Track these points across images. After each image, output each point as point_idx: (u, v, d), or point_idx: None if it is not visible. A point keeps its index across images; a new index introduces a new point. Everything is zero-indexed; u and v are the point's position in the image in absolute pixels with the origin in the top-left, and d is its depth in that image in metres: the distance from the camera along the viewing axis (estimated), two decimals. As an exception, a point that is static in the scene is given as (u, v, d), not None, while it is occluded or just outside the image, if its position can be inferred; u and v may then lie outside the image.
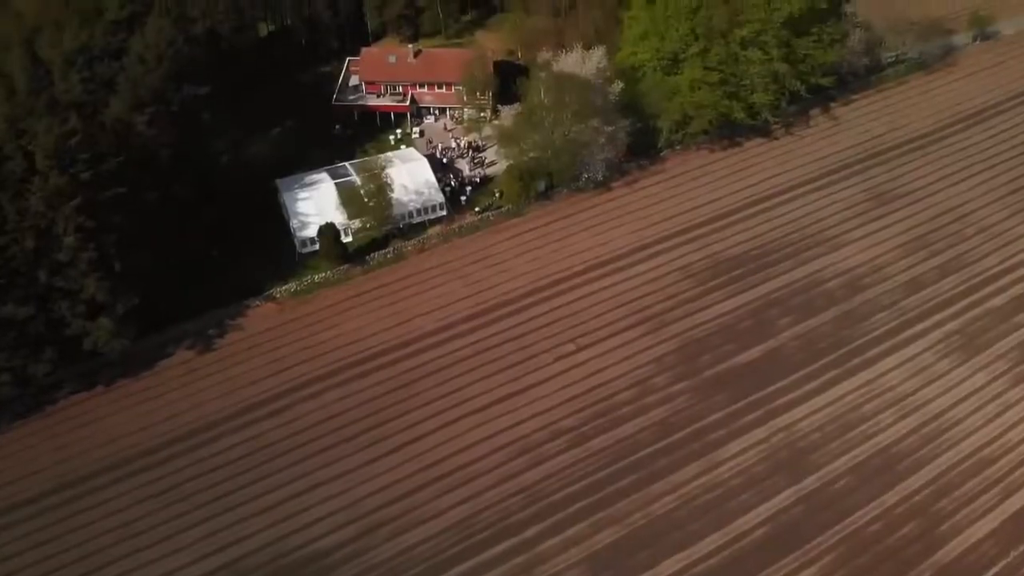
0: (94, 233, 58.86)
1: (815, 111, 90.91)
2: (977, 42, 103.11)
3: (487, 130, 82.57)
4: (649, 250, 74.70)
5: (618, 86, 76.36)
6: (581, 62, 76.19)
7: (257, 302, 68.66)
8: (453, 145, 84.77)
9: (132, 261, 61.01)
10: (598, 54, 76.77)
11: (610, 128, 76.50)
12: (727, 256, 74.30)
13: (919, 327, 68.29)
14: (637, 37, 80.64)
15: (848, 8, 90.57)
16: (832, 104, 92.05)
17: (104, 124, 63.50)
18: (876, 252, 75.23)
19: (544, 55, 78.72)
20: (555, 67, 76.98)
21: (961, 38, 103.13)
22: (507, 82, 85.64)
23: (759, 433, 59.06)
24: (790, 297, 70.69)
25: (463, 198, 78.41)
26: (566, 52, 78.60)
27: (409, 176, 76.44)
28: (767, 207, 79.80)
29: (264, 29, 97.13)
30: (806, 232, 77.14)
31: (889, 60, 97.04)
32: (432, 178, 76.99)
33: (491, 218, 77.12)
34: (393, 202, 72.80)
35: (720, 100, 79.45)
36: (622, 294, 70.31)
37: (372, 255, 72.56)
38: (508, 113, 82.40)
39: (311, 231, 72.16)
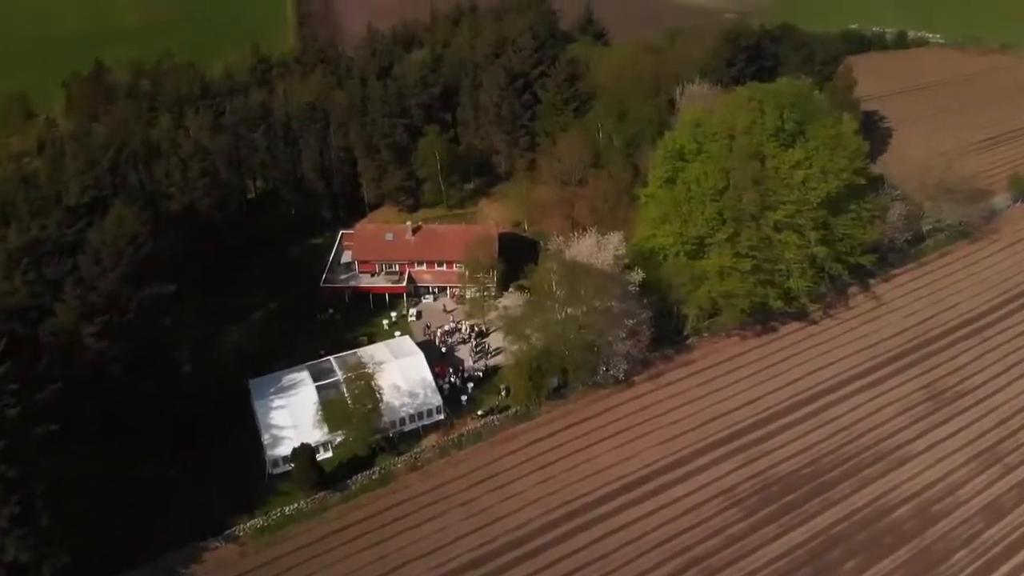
0: (17, 483, 48.10)
1: (854, 289, 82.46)
2: (1019, 204, 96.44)
3: (493, 315, 73.46)
4: (685, 467, 63.69)
5: (638, 275, 67.83)
6: (596, 248, 68.02)
7: (216, 543, 56.90)
8: (452, 327, 75.61)
9: (65, 510, 49.95)
10: (615, 240, 68.72)
11: (631, 321, 67.43)
12: (776, 475, 63.23)
13: (1005, 568, 56.67)
14: (656, 219, 72.92)
15: (884, 178, 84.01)
16: (872, 281, 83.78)
17: (44, 339, 54.11)
18: (944, 468, 64.35)
19: (556, 240, 70.64)
20: (567, 252, 68.81)
21: (1001, 200, 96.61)
22: (512, 256, 77.77)
23: None
24: (854, 532, 59.09)
25: (464, 397, 68.26)
26: (579, 236, 70.67)
27: (402, 374, 66.58)
28: (814, 409, 69.51)
29: (252, 189, 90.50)
30: (862, 442, 66.46)
31: (929, 228, 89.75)
32: (429, 376, 67.11)
33: (496, 423, 66.62)
34: (383, 408, 62.65)
35: (753, 288, 70.88)
36: (656, 529, 58.68)
37: (354, 477, 61.49)
38: (515, 298, 73.36)
39: (284, 448, 61.46)
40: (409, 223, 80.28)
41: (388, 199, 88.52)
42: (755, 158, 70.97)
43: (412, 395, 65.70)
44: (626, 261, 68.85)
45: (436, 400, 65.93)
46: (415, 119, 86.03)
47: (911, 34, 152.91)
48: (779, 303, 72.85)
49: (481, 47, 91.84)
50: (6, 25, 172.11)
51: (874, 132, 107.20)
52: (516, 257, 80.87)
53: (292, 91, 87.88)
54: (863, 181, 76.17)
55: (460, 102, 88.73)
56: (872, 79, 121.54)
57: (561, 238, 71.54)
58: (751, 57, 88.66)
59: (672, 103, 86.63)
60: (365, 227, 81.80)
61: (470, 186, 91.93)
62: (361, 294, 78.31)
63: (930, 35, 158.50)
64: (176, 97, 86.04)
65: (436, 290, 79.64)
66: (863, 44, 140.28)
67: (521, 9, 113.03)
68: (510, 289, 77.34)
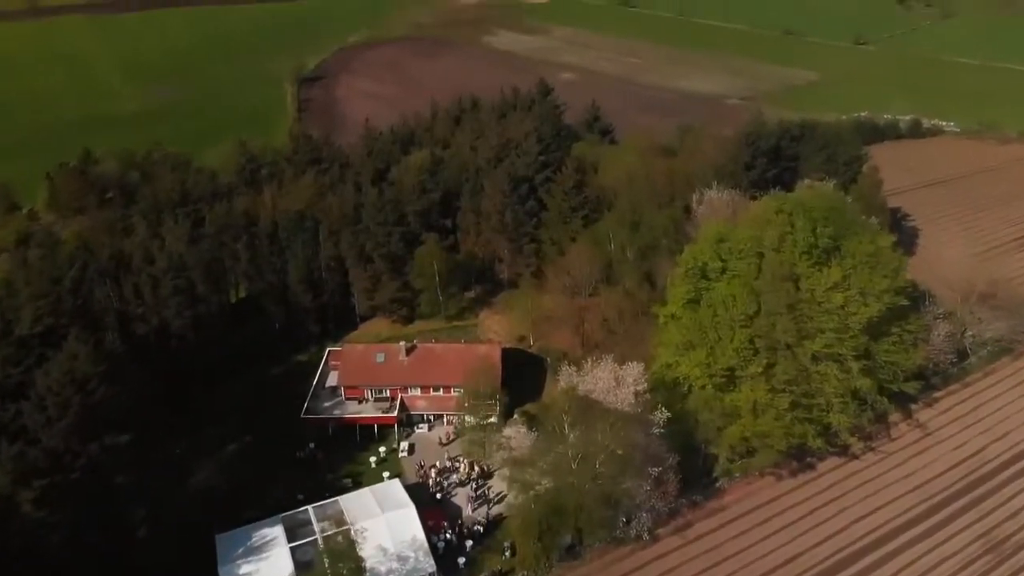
0: None
1: (895, 417, 74.14)
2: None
3: (497, 453, 64.86)
4: (718, 651, 54.37)
5: (663, 415, 59.76)
6: (614, 383, 60.16)
7: None
8: (449, 465, 67.06)
9: None
10: (635, 372, 60.93)
11: (656, 469, 59.02)
12: (826, 662, 53.80)
13: None
14: (679, 345, 65.33)
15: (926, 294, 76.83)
16: (914, 407, 75.58)
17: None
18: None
19: (567, 373, 62.80)
20: (580, 385, 60.96)
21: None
22: (517, 375, 70.08)
23: None
24: None
25: (462, 559, 59.13)
26: (592, 363, 62.93)
27: (390, 533, 57.77)
28: (862, 568, 60.31)
29: (233, 295, 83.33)
30: (923, 615, 57.23)
31: (971, 343, 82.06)
32: (421, 535, 58.16)
33: (497, 591, 57.49)
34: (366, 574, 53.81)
35: (791, 426, 62.69)
36: None
37: (331, 668, 52.00)
38: (520, 432, 64.98)
39: (251, 628, 52.33)
40: (403, 343, 72.54)
41: (381, 311, 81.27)
42: (788, 279, 63.85)
43: (401, 559, 56.71)
44: (647, 396, 60.88)
45: (429, 565, 56.80)
46: (412, 226, 79.70)
47: (925, 122, 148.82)
48: (819, 443, 64.54)
49: (483, 150, 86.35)
50: (2, 109, 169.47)
51: (900, 232, 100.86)
52: (521, 376, 73.37)
53: (280, 197, 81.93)
54: (905, 302, 68.89)
55: (460, 207, 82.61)
56: (892, 172, 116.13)
57: (573, 368, 63.79)
58: (771, 159, 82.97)
59: (688, 209, 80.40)
60: (353, 348, 74.09)
61: (470, 294, 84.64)
62: (347, 425, 70.20)
63: (943, 123, 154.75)
64: (154, 203, 79.85)
65: (431, 418, 71.49)
66: (877, 133, 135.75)
67: (524, 105, 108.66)
68: (515, 416, 69.48)
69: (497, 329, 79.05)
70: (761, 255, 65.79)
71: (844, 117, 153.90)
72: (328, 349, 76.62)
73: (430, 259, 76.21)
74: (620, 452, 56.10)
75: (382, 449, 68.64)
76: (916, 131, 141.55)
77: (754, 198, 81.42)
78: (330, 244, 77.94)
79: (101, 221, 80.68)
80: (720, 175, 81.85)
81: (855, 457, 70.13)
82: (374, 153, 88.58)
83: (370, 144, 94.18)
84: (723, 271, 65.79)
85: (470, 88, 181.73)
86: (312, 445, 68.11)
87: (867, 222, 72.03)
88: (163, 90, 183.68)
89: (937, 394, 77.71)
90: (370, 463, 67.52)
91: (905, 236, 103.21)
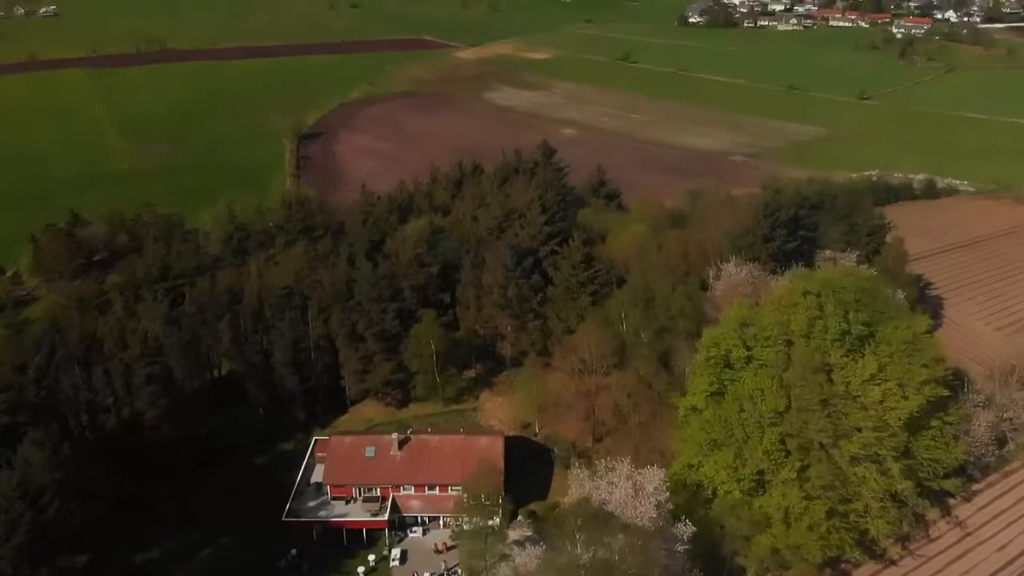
0: None
1: (934, 514, 67.38)
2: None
3: (500, 566, 57.90)
4: None
5: (687, 529, 53.21)
6: (632, 493, 53.75)
7: None
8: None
9: None
10: (655, 480, 54.44)
11: (681, 591, 52.31)
12: None
13: None
14: (703, 444, 59.15)
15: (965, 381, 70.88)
16: (952, 502, 68.95)
17: None
18: None
19: (579, 477, 56.46)
20: (594, 495, 54.59)
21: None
22: (522, 467, 63.96)
23: None
24: None
25: None
26: (607, 467, 56.51)
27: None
28: None
29: (214, 373, 77.42)
30: None
31: (1009, 429, 75.80)
32: (414, 665, 51.32)
33: None
34: None
35: (827, 535, 56.14)
36: None
37: None
38: (528, 544, 58.21)
39: None
40: (395, 435, 66.23)
41: (373, 394, 75.20)
42: (820, 371, 58.10)
43: None
44: (671, 507, 54.37)
45: None
46: (408, 302, 74.29)
47: (939, 182, 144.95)
48: (856, 554, 57.96)
49: (485, 219, 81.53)
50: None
51: (924, 301, 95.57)
52: (526, 469, 67.03)
53: (268, 269, 76.76)
54: (946, 392, 62.99)
55: (460, 280, 77.35)
56: (910, 235, 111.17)
57: (584, 468, 57.49)
58: (791, 231, 78.12)
59: (704, 285, 75.11)
60: (341, 441, 67.60)
61: (470, 373, 78.55)
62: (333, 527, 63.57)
63: (956, 181, 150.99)
64: (131, 280, 74.63)
65: (426, 520, 64.81)
66: (891, 193, 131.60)
67: (527, 168, 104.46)
68: (519, 517, 62.92)
69: (499, 414, 72.97)
70: (789, 342, 60.25)
71: (855, 176, 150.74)
72: (315, 438, 70.36)
73: (427, 338, 70.59)
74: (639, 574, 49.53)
75: (371, 557, 61.78)
76: (931, 191, 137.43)
77: (774, 272, 76.38)
78: (319, 322, 72.46)
79: (75, 296, 75.23)
80: (737, 247, 76.83)
81: (892, 563, 63.37)
82: (370, 222, 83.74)
83: (366, 211, 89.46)
84: (748, 360, 60.09)
85: (471, 144, 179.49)
86: (294, 552, 61.40)
87: (900, 304, 66.67)
88: (159, 147, 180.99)
89: (976, 487, 71.22)
90: (358, 574, 60.58)
91: (929, 307, 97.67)
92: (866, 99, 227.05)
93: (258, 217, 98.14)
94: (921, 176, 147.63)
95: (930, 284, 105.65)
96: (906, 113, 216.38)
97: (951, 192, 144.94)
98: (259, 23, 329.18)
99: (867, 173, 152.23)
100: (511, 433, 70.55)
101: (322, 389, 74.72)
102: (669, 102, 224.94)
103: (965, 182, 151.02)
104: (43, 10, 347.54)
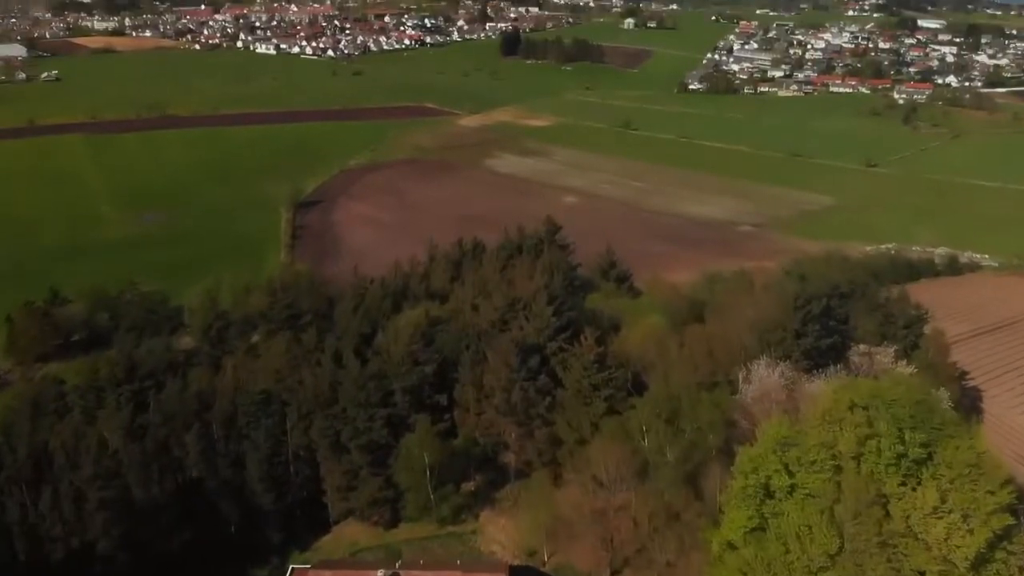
0: None
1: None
2: None
3: None
4: None
5: None
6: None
7: None
8: None
9: None
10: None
11: None
12: None
13: None
14: (741, 589, 50.61)
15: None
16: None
17: None
18: None
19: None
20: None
21: None
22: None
23: None
24: None
25: None
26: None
27: None
28: None
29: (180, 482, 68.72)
30: None
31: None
32: None
33: None
34: None
35: None
36: None
37: None
38: None
39: None
40: (381, 572, 57.46)
41: (358, 513, 66.57)
42: (875, 502, 50.02)
43: None
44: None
45: None
46: (399, 407, 66.48)
47: (961, 256, 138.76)
48: None
49: (486, 310, 74.52)
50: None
51: (962, 394, 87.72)
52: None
53: (246, 366, 69.24)
54: (1012, 520, 54.61)
55: (459, 379, 69.79)
56: (938, 318, 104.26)
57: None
58: (824, 325, 71.05)
59: (732, 385, 67.50)
60: (321, 576, 58.85)
61: (469, 486, 69.75)
62: None
63: (977, 255, 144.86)
64: (93, 382, 67.04)
65: (419, 674, 55.78)
66: (912, 270, 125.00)
67: (531, 246, 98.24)
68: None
69: (502, 538, 64.26)
70: (838, 466, 52.26)
71: (870, 249, 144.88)
72: (291, 566, 61.37)
73: (420, 451, 62.51)
74: None
75: None
76: (954, 267, 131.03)
77: (807, 372, 68.92)
78: (299, 431, 64.53)
79: (30, 398, 67.51)
80: (766, 342, 69.54)
81: None
82: (360, 311, 76.61)
83: (358, 295, 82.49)
84: (792, 488, 51.98)
85: (472, 212, 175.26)
86: None
87: (955, 416, 58.95)
88: (152, 215, 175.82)
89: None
90: None
91: (966, 399, 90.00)
92: (873, 166, 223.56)
93: (242, 301, 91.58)
94: (941, 250, 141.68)
95: (964, 374, 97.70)
96: (915, 181, 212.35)
97: (974, 267, 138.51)
98: (261, 89, 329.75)
99: (884, 247, 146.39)
100: (515, 562, 61.78)
101: (301, 506, 66.16)
102: (671, 169, 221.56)
103: (987, 256, 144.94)
104: (45, 75, 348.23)
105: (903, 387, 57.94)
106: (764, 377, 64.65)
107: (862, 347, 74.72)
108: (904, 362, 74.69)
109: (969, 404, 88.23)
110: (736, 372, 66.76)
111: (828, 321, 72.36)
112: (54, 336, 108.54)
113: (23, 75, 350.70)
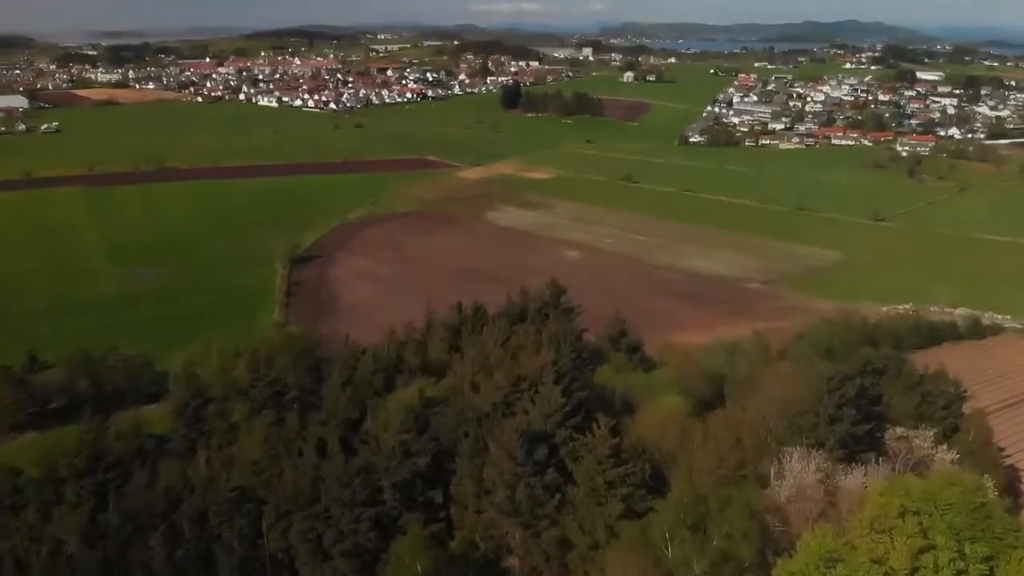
0: None
1: None
2: None
3: None
4: None
5: None
6: None
7: None
8: None
9: None
10: None
11: None
12: None
13: None
14: None
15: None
16: None
17: None
18: None
19: None
20: None
21: None
22: None
23: None
24: None
25: None
26: None
27: None
28: None
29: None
30: None
31: None
32: None
33: None
34: None
35: None
36: None
37: None
38: None
39: None
40: None
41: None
42: (939, 635, 43.08)
43: None
44: None
45: None
46: (388, 505, 59.50)
47: (984, 317, 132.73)
48: None
49: (488, 390, 68.17)
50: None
51: (997, 469, 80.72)
52: None
53: (221, 455, 62.60)
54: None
55: (456, 472, 63.04)
56: (967, 387, 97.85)
57: None
58: (859, 407, 64.73)
59: (760, 477, 60.76)
60: None
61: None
62: None
63: (999, 316, 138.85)
64: (52, 474, 60.32)
65: None
66: (935, 334, 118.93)
67: (535, 310, 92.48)
68: None
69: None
70: (891, 588, 45.44)
71: (886, 309, 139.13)
72: None
73: (412, 559, 55.43)
74: None
75: None
76: (976, 330, 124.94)
77: (843, 462, 62.28)
78: (277, 533, 57.56)
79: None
80: (797, 427, 63.07)
81: None
82: (348, 391, 70.09)
83: (347, 371, 76.09)
84: (840, 615, 45.09)
85: (473, 266, 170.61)
86: None
87: (1020, 524, 52.15)
88: (145, 271, 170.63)
89: None
90: None
91: (1004, 480, 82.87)
92: (880, 220, 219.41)
93: (229, 366, 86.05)
94: (961, 310, 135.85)
95: (1000, 451, 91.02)
96: (924, 235, 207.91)
97: (996, 329, 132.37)
98: (262, 142, 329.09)
99: (901, 307, 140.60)
100: None
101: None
102: (674, 223, 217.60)
103: (1008, 317, 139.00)
104: (45, 126, 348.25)
105: (959, 489, 51.27)
106: (798, 472, 57.97)
107: (899, 430, 68.22)
108: (944, 446, 68.18)
109: (1007, 485, 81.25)
110: (766, 464, 60.08)
111: (863, 403, 66.01)
112: (30, 404, 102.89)
113: (23, 126, 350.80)
